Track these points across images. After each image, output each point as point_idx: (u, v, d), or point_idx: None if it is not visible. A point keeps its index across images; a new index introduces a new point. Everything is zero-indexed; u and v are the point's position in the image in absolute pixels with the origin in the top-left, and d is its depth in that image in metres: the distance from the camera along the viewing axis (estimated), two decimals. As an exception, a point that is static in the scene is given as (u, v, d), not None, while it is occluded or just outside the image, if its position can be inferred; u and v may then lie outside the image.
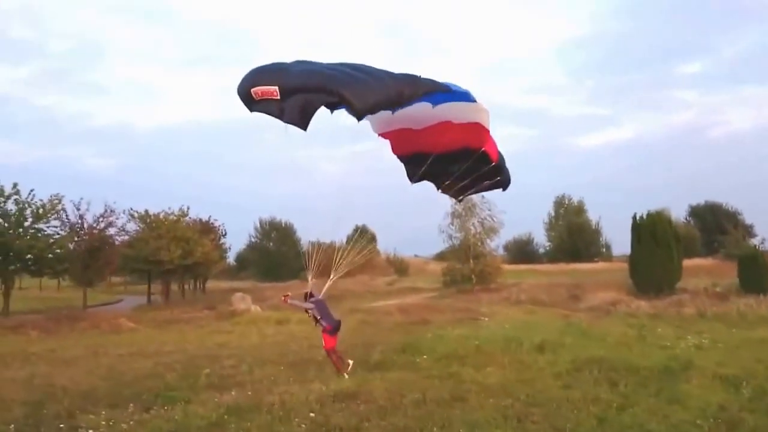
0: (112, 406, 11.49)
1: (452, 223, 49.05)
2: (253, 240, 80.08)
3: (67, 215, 31.62)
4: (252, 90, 6.92)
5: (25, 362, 18.39)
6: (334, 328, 11.71)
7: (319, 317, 11.56)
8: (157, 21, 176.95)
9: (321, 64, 7.24)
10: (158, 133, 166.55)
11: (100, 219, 32.90)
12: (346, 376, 11.56)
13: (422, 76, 7.38)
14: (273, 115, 6.87)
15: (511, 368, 11.46)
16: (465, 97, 8.03)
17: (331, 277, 11.92)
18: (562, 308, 32.73)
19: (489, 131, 8.43)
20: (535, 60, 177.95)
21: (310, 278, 12.00)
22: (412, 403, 8.43)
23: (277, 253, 77.96)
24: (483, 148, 8.45)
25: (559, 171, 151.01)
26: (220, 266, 47.05)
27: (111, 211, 33.71)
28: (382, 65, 7.29)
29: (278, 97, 6.76)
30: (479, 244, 49.22)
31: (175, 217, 39.67)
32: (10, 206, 29.42)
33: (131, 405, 9.53)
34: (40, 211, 29.87)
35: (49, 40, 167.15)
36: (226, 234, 51.51)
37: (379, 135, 9.16)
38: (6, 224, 28.96)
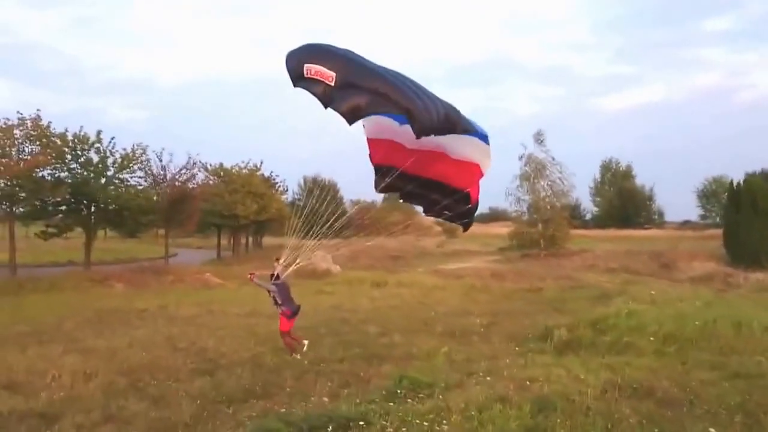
0: (297, 378, 10.26)
1: (521, 186, 47.22)
2: (296, 197, 78.70)
3: (150, 166, 30.33)
4: (306, 66, 6.67)
5: (142, 320, 17.30)
6: (294, 313, 11.77)
7: (280, 302, 11.62)
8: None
9: (378, 66, 7.04)
10: (185, 86, 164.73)
11: (183, 171, 31.58)
12: (299, 357, 11.60)
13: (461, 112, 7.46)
14: (318, 98, 6.70)
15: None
16: (481, 137, 8.01)
17: (297, 262, 11.75)
18: (660, 277, 31.04)
19: (482, 176, 8.49)
20: (560, 13, 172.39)
21: (282, 260, 11.79)
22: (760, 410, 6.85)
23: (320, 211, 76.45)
24: (468, 190, 8.51)
25: (586, 132, 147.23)
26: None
27: (193, 162, 32.33)
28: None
29: (332, 84, 6.56)
30: (548, 207, 47.41)
31: (247, 172, 38.34)
32: (92, 155, 28.14)
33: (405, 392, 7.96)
34: (124, 161, 28.54)
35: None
36: (287, 190, 50.03)
37: (367, 138, 8.98)
38: (88, 173, 27.71)
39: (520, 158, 46.51)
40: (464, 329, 15.01)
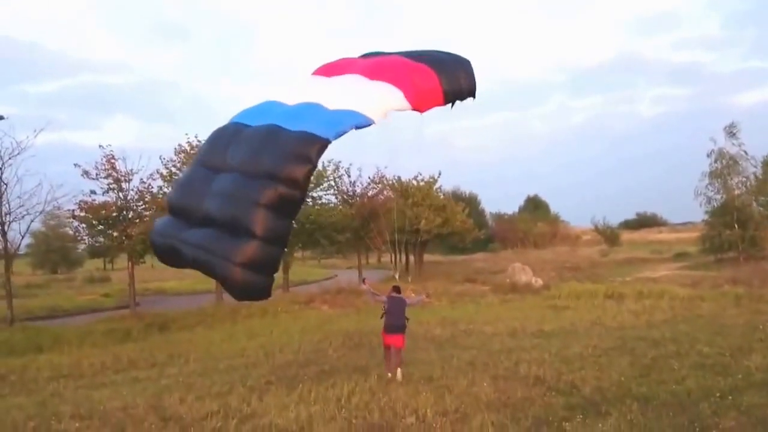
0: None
1: (710, 184, 42.27)
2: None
3: (340, 182, 28.95)
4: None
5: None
6: (390, 327, 10.71)
7: (384, 311, 10.78)
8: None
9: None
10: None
11: (371, 186, 30.07)
12: (390, 375, 10.48)
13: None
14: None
15: None
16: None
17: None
18: None
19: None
20: (686, 10, 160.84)
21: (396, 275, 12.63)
22: None
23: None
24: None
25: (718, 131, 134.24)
26: (473, 235, 42.93)
27: (382, 176, 30.78)
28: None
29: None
30: (745, 206, 42.14)
31: (425, 184, 36.18)
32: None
33: None
34: (316, 178, 27.39)
35: (200, 23, 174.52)
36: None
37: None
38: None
39: (709, 155, 41.85)
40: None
